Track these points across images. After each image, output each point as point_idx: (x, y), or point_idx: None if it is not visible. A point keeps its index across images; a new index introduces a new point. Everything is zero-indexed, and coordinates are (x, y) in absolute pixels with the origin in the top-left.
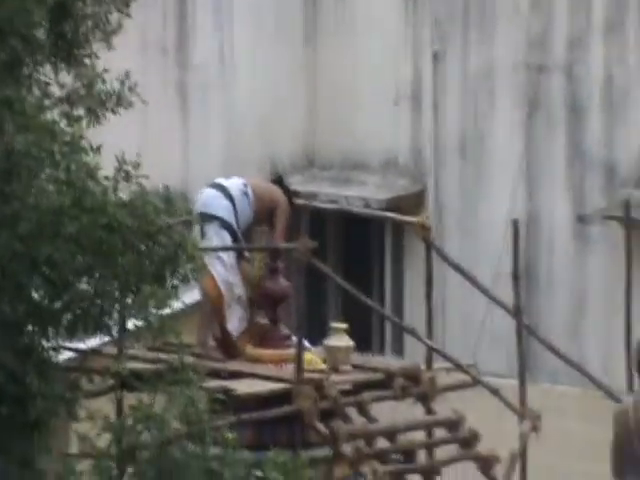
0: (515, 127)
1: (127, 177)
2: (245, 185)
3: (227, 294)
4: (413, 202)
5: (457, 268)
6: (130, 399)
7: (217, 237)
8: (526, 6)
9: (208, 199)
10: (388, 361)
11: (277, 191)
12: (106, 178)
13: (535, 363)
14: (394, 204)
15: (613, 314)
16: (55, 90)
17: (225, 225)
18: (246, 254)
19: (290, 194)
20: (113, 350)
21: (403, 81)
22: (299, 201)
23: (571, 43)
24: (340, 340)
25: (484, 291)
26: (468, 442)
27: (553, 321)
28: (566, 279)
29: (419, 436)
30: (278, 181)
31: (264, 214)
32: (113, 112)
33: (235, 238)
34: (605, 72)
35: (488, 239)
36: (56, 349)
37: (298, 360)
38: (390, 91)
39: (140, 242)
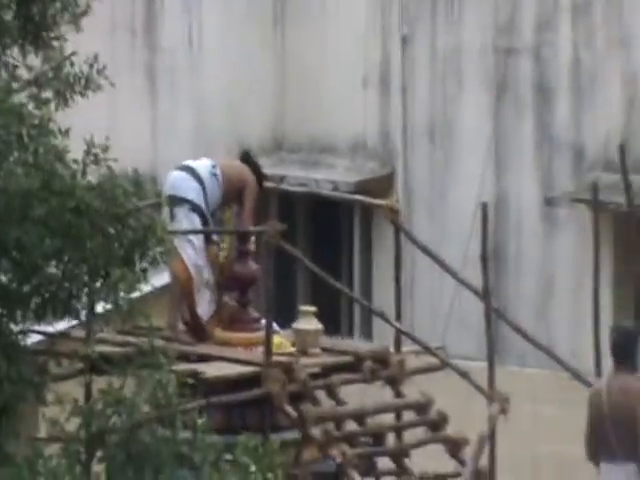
0: (483, 110)
1: (96, 160)
2: (214, 166)
3: (197, 277)
4: (382, 185)
5: (426, 251)
6: (99, 383)
7: (187, 220)
8: None
9: (177, 182)
10: (357, 344)
11: (245, 171)
12: (75, 161)
13: (503, 346)
14: (363, 187)
15: (581, 296)
16: (23, 73)
17: (195, 208)
18: (214, 237)
19: (259, 168)
20: (82, 333)
21: (371, 64)
22: (268, 184)
23: (539, 26)
24: (309, 323)
25: (453, 274)
26: (437, 425)
27: (521, 303)
28: (534, 262)
29: (388, 419)
30: (245, 156)
31: (233, 194)
32: (81, 95)
33: (204, 221)
34: (573, 55)
35: (457, 222)
36: (24, 333)
37: (267, 343)
38: (359, 74)
39: (109, 225)
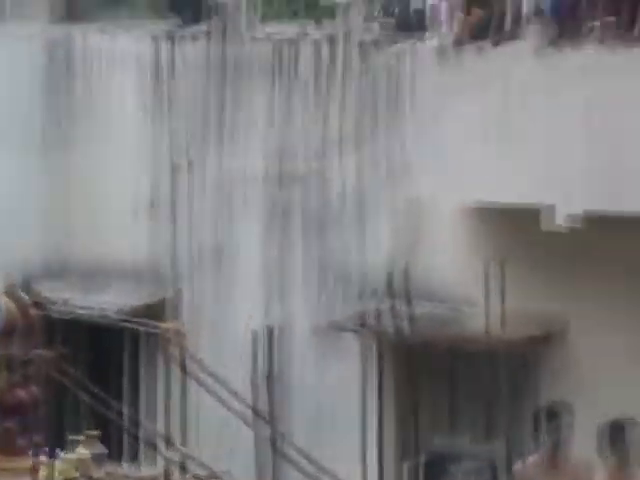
0: (259, 236)
1: None
2: None
3: None
4: (163, 309)
5: (206, 376)
6: None
7: None
8: (272, 117)
9: None
10: (141, 469)
11: (26, 303)
12: None
13: (281, 472)
14: (145, 311)
15: (357, 425)
16: None
17: None
18: None
19: (39, 301)
20: None
21: (153, 188)
22: (49, 308)
23: (317, 153)
24: (92, 447)
25: (233, 398)
26: None
27: (297, 430)
28: (308, 388)
29: None
30: (26, 288)
31: (14, 324)
32: None
33: None
34: (351, 183)
35: (235, 347)
36: None
37: (48, 469)
38: (139, 198)
39: None
